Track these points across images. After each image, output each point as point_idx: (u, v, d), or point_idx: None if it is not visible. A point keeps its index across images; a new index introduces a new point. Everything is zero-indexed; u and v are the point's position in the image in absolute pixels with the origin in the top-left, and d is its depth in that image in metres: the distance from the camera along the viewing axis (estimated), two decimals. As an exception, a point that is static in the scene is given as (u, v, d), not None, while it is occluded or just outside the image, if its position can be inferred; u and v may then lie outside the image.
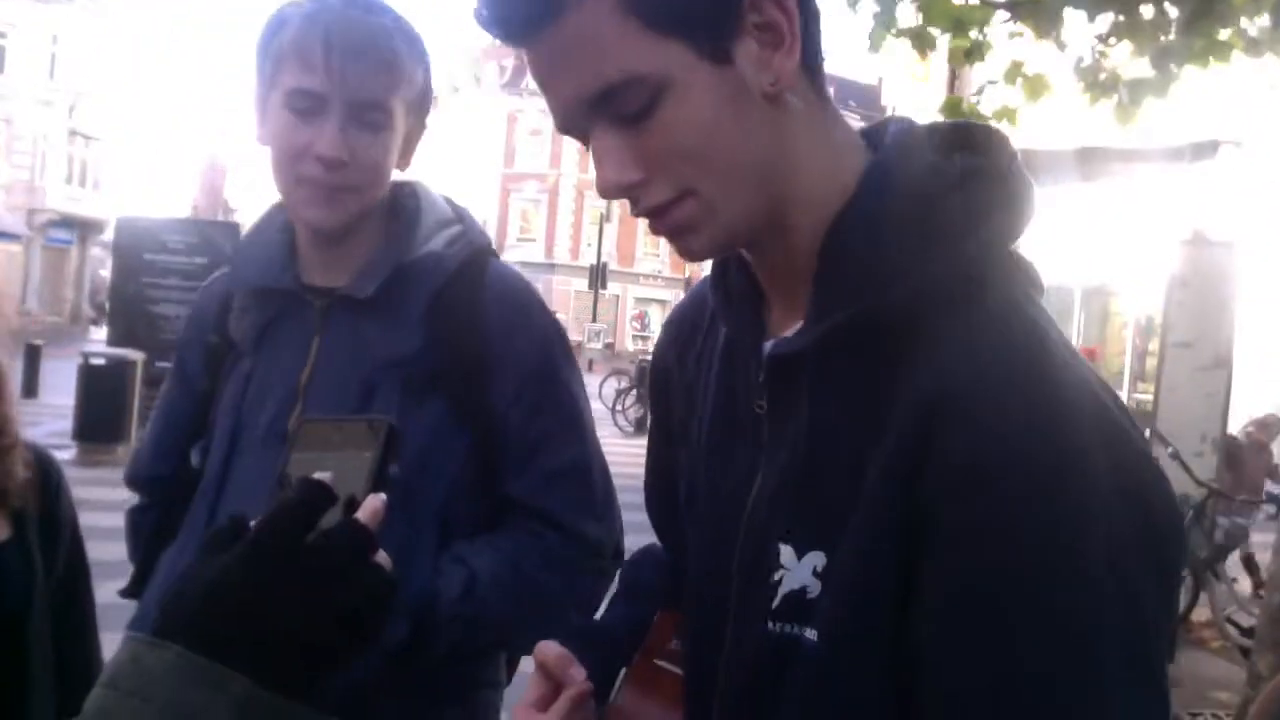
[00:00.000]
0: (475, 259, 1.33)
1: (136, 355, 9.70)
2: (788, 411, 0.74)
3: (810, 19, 0.72)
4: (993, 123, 4.39)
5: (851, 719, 0.67)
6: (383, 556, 0.65)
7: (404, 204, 1.33)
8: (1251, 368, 8.50)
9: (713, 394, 0.84)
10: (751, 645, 0.73)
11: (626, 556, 1.36)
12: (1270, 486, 5.36)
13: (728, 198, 0.70)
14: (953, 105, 4.57)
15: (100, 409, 9.28)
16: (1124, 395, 14.23)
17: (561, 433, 1.31)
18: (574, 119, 0.71)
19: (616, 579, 1.18)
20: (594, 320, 31.77)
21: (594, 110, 0.69)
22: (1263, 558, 4.52)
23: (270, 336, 1.32)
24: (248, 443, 1.28)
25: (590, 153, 0.71)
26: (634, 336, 39.96)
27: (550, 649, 0.82)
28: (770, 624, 0.71)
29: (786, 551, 0.71)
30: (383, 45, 1.21)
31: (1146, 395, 11.68)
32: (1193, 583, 5.48)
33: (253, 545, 0.61)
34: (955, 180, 0.71)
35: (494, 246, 1.40)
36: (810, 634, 0.69)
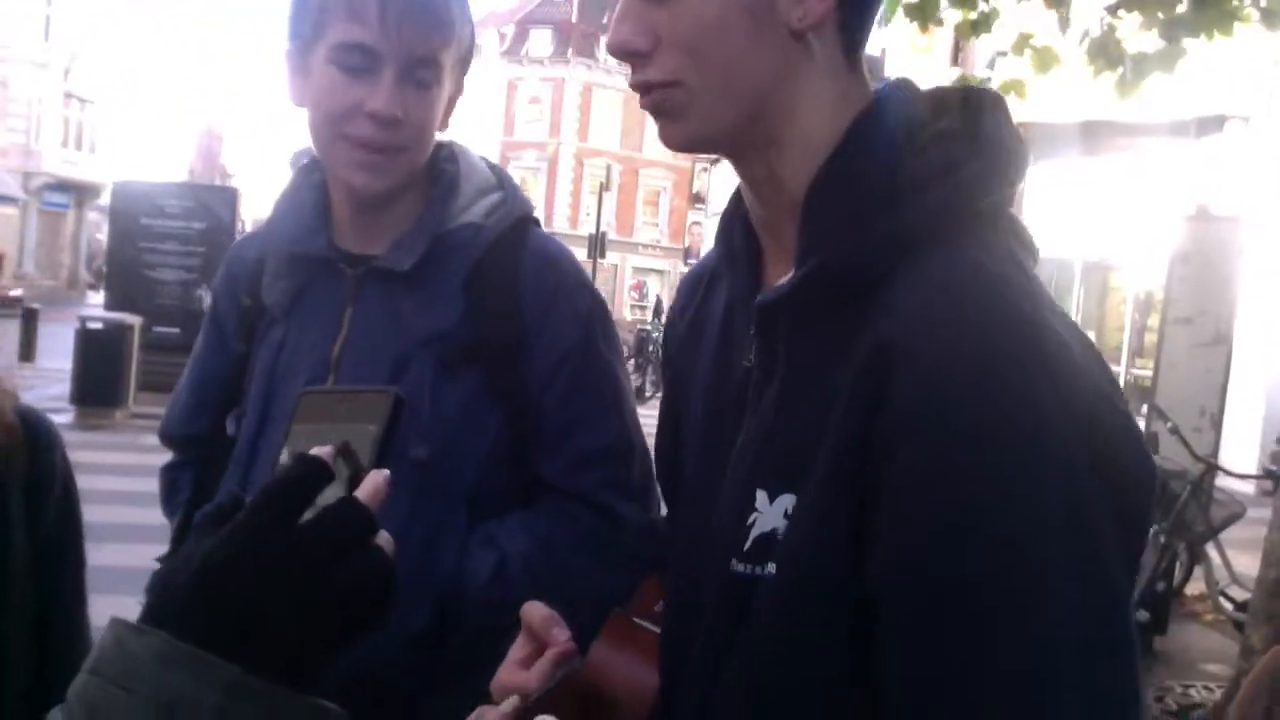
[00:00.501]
0: (515, 228, 1.28)
1: (134, 320, 9.67)
2: (772, 362, 0.75)
3: None
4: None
5: (803, 650, 0.68)
6: (384, 537, 0.61)
7: (443, 168, 1.28)
8: (1254, 343, 8.48)
9: (711, 353, 0.86)
10: (720, 588, 0.74)
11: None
12: (1270, 464, 5.37)
13: (712, 102, 0.73)
14: (963, 83, 4.55)
15: (98, 373, 9.27)
16: (1122, 371, 14.27)
17: (599, 413, 1.27)
18: None
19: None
20: (593, 290, 31.70)
21: None
22: (1257, 534, 4.55)
23: (302, 303, 1.28)
24: (279, 412, 1.25)
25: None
26: (632, 306, 39.92)
27: (536, 610, 0.83)
28: (742, 566, 0.72)
29: (761, 496, 0.73)
30: (437, 0, 1.18)
31: (1145, 371, 11.69)
32: (1187, 557, 5.50)
33: (242, 526, 0.58)
34: (932, 137, 0.73)
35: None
36: (770, 568, 0.70)
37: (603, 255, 24.60)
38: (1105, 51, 4.17)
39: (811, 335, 0.72)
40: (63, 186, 31.24)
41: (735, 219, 0.84)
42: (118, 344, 9.44)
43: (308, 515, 0.59)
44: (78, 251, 32.86)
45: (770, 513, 0.72)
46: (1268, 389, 9.79)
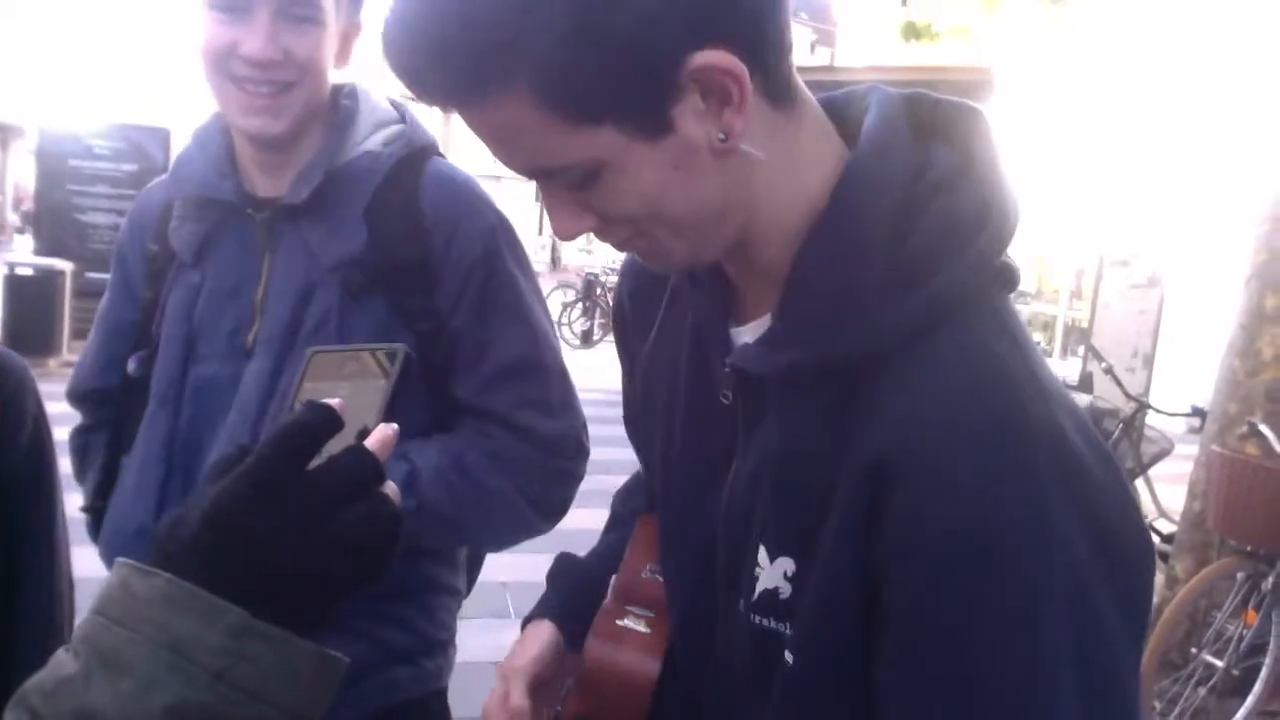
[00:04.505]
0: (413, 157, 1.29)
1: (65, 265, 9.37)
2: (756, 416, 0.74)
3: (770, 45, 0.66)
4: (948, 40, 4.38)
5: None
6: (390, 488, 0.62)
7: (342, 104, 1.30)
8: (1187, 285, 8.71)
9: (684, 375, 0.85)
10: (735, 633, 0.76)
11: (590, 456, 1.35)
12: (1197, 401, 5.55)
13: (681, 242, 0.71)
14: (909, 28, 4.55)
15: (29, 321, 8.99)
16: (1060, 312, 14.58)
17: (507, 330, 1.28)
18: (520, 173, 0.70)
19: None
20: (540, 234, 31.39)
21: (536, 178, 0.69)
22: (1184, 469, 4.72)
23: (213, 247, 1.29)
24: (206, 353, 1.26)
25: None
26: (579, 250, 39.57)
27: None
28: (750, 616, 0.74)
29: (762, 552, 0.73)
30: None
31: (1081, 312, 11.96)
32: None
33: (251, 470, 0.57)
34: (930, 191, 0.69)
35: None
36: (788, 632, 0.71)
37: (549, 198, 24.27)
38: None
39: (801, 408, 0.70)
40: (-16, 126, 29.94)
41: None
42: (49, 290, 9.15)
43: (316, 462, 0.59)
44: (4, 194, 31.62)
45: (771, 571, 0.72)
46: (1199, 329, 10.08)
